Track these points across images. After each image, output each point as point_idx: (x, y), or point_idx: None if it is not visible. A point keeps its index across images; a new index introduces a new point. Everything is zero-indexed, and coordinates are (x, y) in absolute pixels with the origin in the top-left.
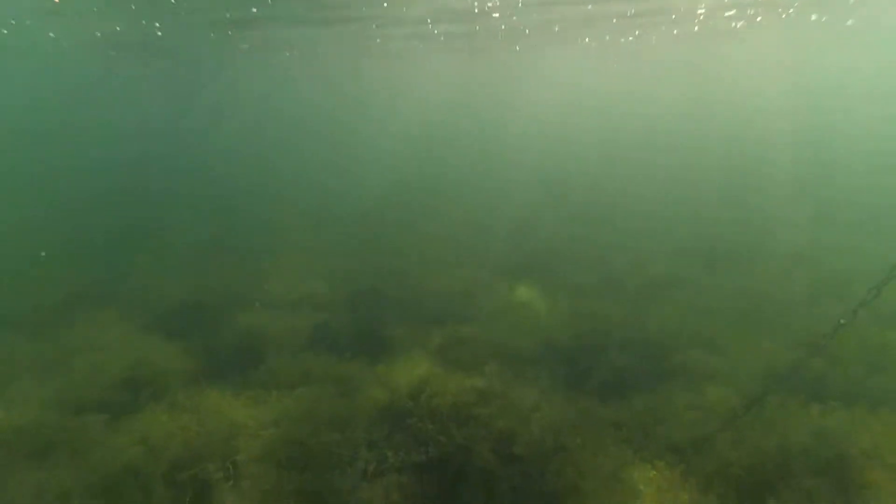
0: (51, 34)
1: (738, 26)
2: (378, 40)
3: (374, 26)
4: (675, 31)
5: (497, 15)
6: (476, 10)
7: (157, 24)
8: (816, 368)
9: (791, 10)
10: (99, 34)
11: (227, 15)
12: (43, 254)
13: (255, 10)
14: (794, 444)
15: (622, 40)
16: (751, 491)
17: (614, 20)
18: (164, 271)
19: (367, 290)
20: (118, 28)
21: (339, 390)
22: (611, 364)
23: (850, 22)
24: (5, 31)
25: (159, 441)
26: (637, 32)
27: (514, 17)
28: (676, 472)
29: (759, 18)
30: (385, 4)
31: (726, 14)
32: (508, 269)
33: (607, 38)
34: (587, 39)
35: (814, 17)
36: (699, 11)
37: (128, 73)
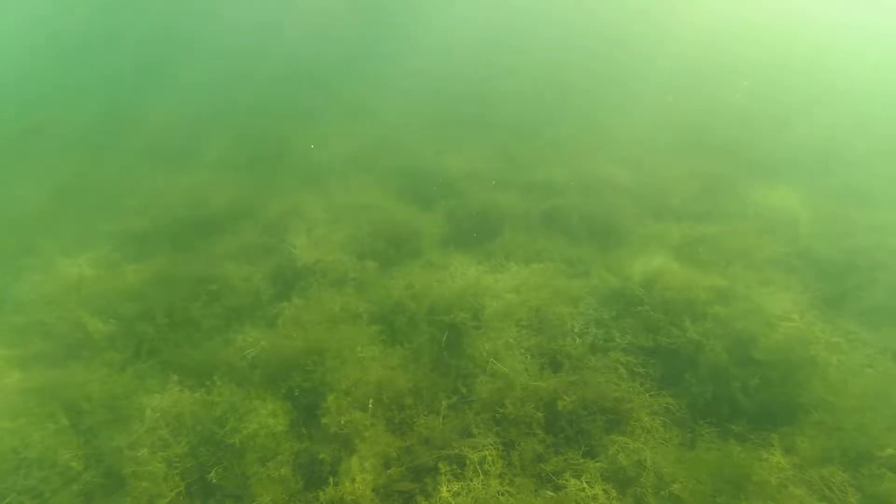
0: None
1: None
2: None
3: None
4: None
5: None
6: None
7: None
8: None
9: None
10: None
11: None
12: None
13: None
14: None
15: None
16: None
17: None
18: (408, 145)
19: (599, 178)
20: None
21: (571, 270)
22: (891, 287)
23: None
24: None
25: (420, 289)
26: None
27: None
28: None
29: None
30: None
31: None
32: (762, 166)
33: None
34: None
35: None
36: None
37: None
